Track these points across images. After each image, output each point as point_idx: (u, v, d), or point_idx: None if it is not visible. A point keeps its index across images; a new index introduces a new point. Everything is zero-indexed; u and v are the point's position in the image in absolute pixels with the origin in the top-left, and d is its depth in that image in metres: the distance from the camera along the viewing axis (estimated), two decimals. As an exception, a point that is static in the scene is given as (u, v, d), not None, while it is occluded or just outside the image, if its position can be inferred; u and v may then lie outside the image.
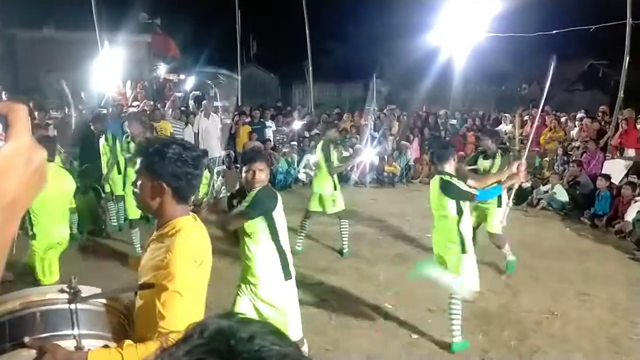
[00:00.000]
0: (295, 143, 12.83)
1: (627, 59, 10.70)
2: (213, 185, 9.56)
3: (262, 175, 3.63)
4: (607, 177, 9.09)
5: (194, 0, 21.27)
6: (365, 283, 6.04)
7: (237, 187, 9.26)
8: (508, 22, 12.88)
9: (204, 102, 12.50)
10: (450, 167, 4.56)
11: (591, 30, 11.51)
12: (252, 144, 11.28)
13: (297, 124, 13.63)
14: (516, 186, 5.72)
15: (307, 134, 13.42)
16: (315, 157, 7.77)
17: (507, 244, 6.40)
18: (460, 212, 4.46)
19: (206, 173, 9.76)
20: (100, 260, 6.69)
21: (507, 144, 12.48)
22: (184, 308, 1.84)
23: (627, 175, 9.65)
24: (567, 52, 17.38)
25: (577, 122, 12.22)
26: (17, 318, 1.60)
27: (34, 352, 1.53)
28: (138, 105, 13.13)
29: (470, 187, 4.54)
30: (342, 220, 7.00)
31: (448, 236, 4.51)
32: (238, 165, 9.93)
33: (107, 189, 7.94)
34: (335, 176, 6.89)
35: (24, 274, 5.30)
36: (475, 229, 5.71)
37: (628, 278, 6.40)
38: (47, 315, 1.64)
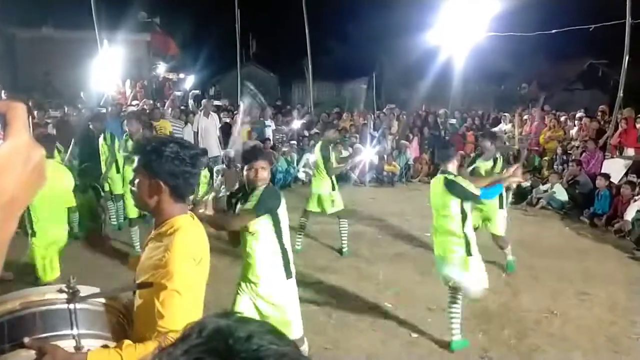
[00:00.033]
0: (294, 142, 12.84)
1: (626, 58, 10.70)
2: (212, 185, 9.55)
3: (264, 174, 3.63)
4: (607, 177, 9.10)
5: (194, -1, 21.28)
6: (365, 282, 6.04)
7: (237, 186, 9.28)
8: (507, 21, 12.88)
9: (204, 101, 12.50)
10: (453, 166, 4.57)
11: (591, 29, 11.50)
12: (251, 143, 11.28)
13: (297, 123, 13.63)
14: (514, 186, 5.72)
15: (306, 133, 13.42)
16: (314, 156, 7.76)
17: (509, 245, 6.41)
18: (463, 212, 4.45)
19: (205, 172, 9.76)
20: (100, 260, 6.68)
21: (507, 143, 12.50)
22: (183, 307, 1.83)
23: (626, 174, 9.65)
24: (567, 51, 17.45)
25: (576, 122, 12.23)
26: (16, 318, 1.60)
27: (33, 352, 1.52)
28: (137, 104, 13.14)
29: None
30: (341, 220, 7.00)
31: (452, 238, 4.48)
32: (238, 165, 9.94)
33: (106, 187, 7.95)
34: (333, 176, 6.90)
35: (23, 273, 5.30)
36: (474, 229, 5.70)
37: (627, 277, 6.41)
38: (46, 316, 1.64)
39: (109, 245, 7.32)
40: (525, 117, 13.60)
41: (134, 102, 13.65)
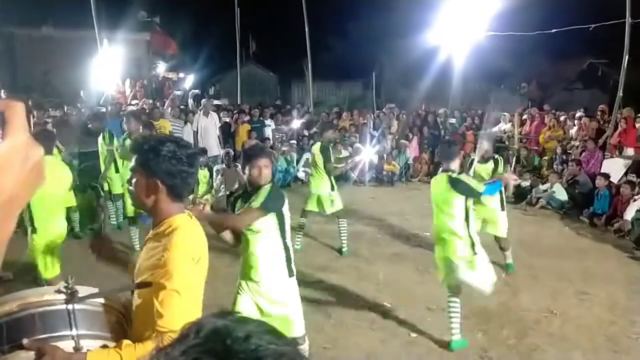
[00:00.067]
0: (294, 141, 12.83)
1: (626, 57, 10.70)
2: (212, 184, 9.56)
3: (267, 172, 3.62)
4: (606, 176, 9.09)
5: (193, -2, 21.24)
6: (364, 282, 6.04)
7: (236, 185, 9.27)
8: (507, 20, 12.87)
9: (203, 100, 12.49)
10: (455, 165, 4.57)
11: (590, 29, 11.50)
12: (251, 142, 11.28)
13: (296, 123, 13.61)
14: (512, 188, 5.72)
15: (306, 133, 13.42)
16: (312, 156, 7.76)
17: (511, 248, 6.41)
18: (466, 210, 4.46)
19: (205, 172, 9.75)
20: (99, 259, 6.68)
21: (506, 142, 12.50)
22: (182, 306, 1.83)
23: (626, 174, 9.66)
24: (567, 51, 17.42)
25: (576, 121, 12.22)
26: (15, 320, 1.60)
27: (32, 353, 1.52)
28: (137, 104, 13.13)
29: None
30: (340, 220, 7.00)
31: (455, 238, 4.46)
32: (237, 164, 9.93)
33: (105, 187, 7.94)
34: (332, 176, 6.90)
35: (23, 273, 5.31)
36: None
37: (627, 277, 6.41)
38: (45, 317, 1.63)
39: (110, 246, 7.31)
40: (525, 116, 13.59)
41: (134, 102, 13.65)
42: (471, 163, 6.59)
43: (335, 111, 15.78)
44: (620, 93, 10.87)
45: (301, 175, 11.86)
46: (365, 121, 14.08)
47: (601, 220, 8.55)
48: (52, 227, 4.83)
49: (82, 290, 1.72)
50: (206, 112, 11.33)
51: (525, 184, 10.29)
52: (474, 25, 12.96)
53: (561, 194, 9.54)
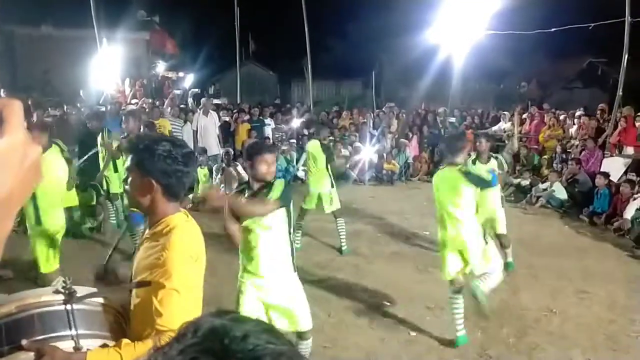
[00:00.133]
0: (294, 141, 12.83)
1: (625, 56, 10.70)
2: (212, 183, 9.55)
3: (273, 167, 3.62)
4: (606, 175, 9.09)
5: (193, -2, 21.23)
6: (364, 280, 6.04)
7: (236, 185, 9.27)
8: (507, 19, 12.88)
9: (203, 99, 12.49)
10: (460, 159, 4.56)
11: (590, 28, 11.50)
12: (251, 141, 11.28)
13: (296, 122, 13.62)
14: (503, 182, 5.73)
15: (306, 132, 13.41)
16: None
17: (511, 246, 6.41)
18: (475, 200, 4.48)
19: (205, 171, 9.76)
20: (99, 259, 6.66)
21: (506, 141, 12.49)
22: (181, 305, 1.83)
23: (625, 173, 9.66)
24: (566, 49, 17.43)
25: (575, 120, 12.22)
26: (14, 321, 1.60)
27: (32, 354, 1.52)
28: (137, 103, 13.12)
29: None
30: (338, 219, 6.99)
31: (466, 231, 4.45)
32: (237, 163, 9.93)
33: (104, 186, 7.91)
34: (331, 174, 6.91)
35: (23, 271, 5.31)
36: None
37: (626, 275, 6.41)
38: (44, 317, 1.63)
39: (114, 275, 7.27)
40: (525, 115, 13.59)
41: (133, 101, 13.63)
42: (474, 162, 6.58)
43: (335, 110, 15.78)
44: (619, 92, 10.87)
45: (301, 174, 11.85)
46: (365, 120, 14.08)
47: (601, 219, 8.55)
48: (53, 219, 4.96)
49: (80, 291, 1.72)
50: (206, 111, 11.33)
51: (525, 182, 10.29)
52: (474, 24, 12.96)
53: (561, 193, 9.54)
